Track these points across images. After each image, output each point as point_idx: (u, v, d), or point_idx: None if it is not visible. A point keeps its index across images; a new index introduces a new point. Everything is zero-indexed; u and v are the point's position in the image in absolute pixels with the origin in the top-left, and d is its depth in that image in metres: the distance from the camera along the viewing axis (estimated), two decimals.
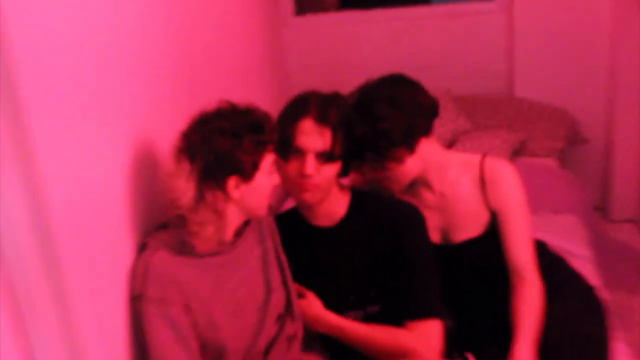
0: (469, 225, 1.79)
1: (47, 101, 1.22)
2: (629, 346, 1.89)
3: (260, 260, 1.62)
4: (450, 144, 3.35)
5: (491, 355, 1.69)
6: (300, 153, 1.58)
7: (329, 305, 1.67)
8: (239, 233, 1.58)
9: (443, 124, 3.34)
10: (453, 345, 1.72)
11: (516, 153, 3.25)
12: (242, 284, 1.56)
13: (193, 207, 1.44)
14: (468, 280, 1.82)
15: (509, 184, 1.76)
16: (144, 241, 1.52)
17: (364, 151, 1.69)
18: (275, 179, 1.54)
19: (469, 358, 1.72)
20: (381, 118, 1.66)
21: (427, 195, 1.81)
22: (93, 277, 1.36)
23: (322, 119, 1.58)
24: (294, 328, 1.67)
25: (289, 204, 2.48)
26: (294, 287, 1.68)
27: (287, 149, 1.58)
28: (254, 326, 1.57)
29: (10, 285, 1.22)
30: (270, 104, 2.48)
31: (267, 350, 1.61)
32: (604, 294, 2.05)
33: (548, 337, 1.65)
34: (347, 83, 2.23)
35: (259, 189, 1.49)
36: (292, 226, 1.74)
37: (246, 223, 1.60)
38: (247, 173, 1.45)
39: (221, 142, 1.41)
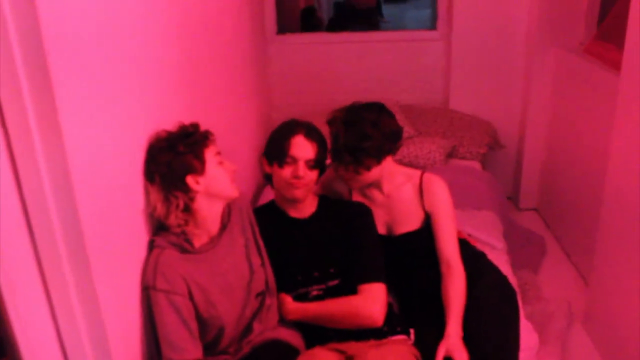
0: (409, 221, 1.91)
1: (75, 90, 1.18)
2: (528, 319, 2.02)
3: (243, 248, 1.73)
4: None
5: (428, 332, 1.76)
6: (294, 160, 1.79)
7: (298, 281, 1.81)
8: (224, 227, 1.70)
9: None
10: (396, 321, 1.81)
11: (449, 156, 3.35)
12: (231, 269, 1.67)
13: (166, 214, 1.56)
14: (407, 266, 1.92)
15: (440, 193, 1.88)
16: (152, 238, 1.60)
17: (343, 158, 1.81)
18: (229, 166, 1.64)
19: (410, 332, 1.80)
20: (366, 136, 1.78)
21: (377, 195, 1.95)
22: (115, 268, 1.39)
23: (310, 136, 1.82)
24: (271, 300, 1.80)
25: (265, 198, 2.61)
26: (269, 268, 1.80)
27: (283, 158, 1.80)
28: (242, 301, 1.68)
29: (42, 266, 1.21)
30: (256, 106, 2.51)
31: (252, 318, 1.74)
32: (513, 276, 2.21)
33: (471, 319, 1.71)
34: (320, 90, 2.31)
35: (216, 176, 1.60)
36: (270, 216, 1.90)
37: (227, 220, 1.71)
38: (197, 168, 1.55)
39: (164, 156, 1.53)
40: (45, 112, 1.12)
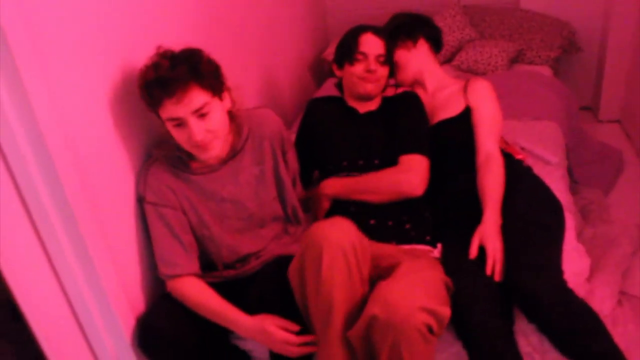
0: (448, 111, 1.90)
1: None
2: (588, 242, 1.87)
3: (254, 178, 1.62)
4: (456, 51, 3.20)
5: (454, 251, 1.63)
6: (365, 56, 1.82)
7: (343, 166, 1.82)
8: (233, 156, 1.59)
9: (451, 32, 3.18)
10: (426, 229, 1.73)
11: (513, 61, 3.08)
12: (229, 199, 1.58)
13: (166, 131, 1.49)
14: (442, 167, 1.83)
15: (483, 89, 1.87)
16: (151, 151, 1.56)
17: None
18: (198, 128, 1.42)
19: (438, 246, 1.69)
20: (399, 18, 2.03)
21: (421, 94, 1.96)
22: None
23: (378, 33, 1.85)
24: (295, 229, 1.72)
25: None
26: (294, 196, 1.70)
27: (353, 55, 1.83)
28: (238, 231, 1.61)
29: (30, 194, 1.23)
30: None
31: (268, 242, 1.65)
32: (568, 193, 2.02)
33: (511, 224, 1.59)
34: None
35: (175, 135, 1.46)
36: (330, 105, 1.96)
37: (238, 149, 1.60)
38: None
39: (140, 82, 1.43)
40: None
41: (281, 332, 1.38)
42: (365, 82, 1.83)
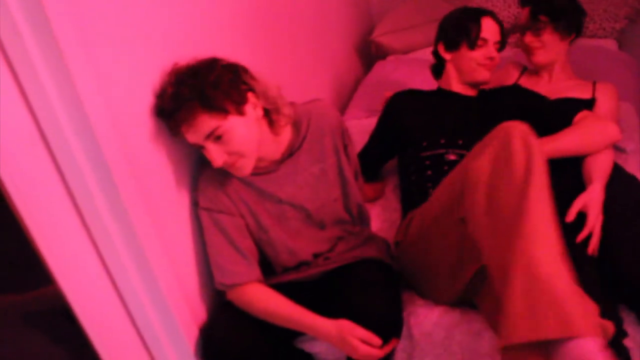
0: (573, 94, 1.90)
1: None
2: None
3: (314, 178, 1.53)
4: (512, 28, 3.02)
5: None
6: (485, 42, 1.80)
7: (440, 143, 1.73)
8: (290, 154, 1.50)
9: (507, 7, 3.02)
10: None
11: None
12: (286, 201, 1.50)
13: None
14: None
15: (614, 92, 1.92)
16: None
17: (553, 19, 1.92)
18: (216, 153, 1.35)
19: None
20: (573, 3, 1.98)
21: (543, 84, 2.00)
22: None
23: (496, 19, 1.84)
24: (361, 229, 1.64)
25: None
26: (358, 193, 1.60)
27: (475, 40, 1.80)
28: (298, 233, 1.53)
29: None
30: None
31: (334, 243, 1.58)
32: None
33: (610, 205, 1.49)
34: None
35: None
36: (420, 94, 1.93)
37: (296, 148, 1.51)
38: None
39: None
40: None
41: (363, 346, 1.30)
42: (486, 69, 1.82)
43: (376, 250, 1.58)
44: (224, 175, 1.44)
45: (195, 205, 1.45)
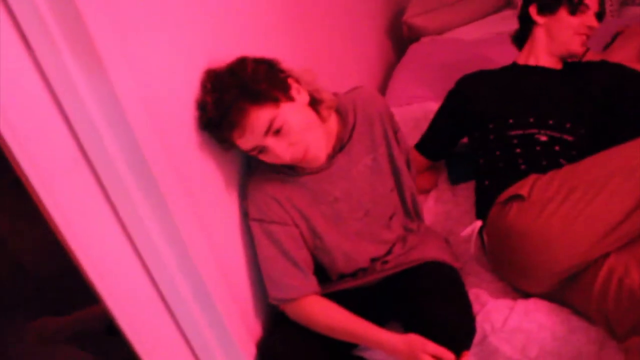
0: None
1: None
2: None
3: (367, 169, 1.43)
4: None
5: None
6: (586, 8, 1.67)
7: (529, 122, 1.59)
8: (341, 148, 1.40)
9: None
10: None
11: (623, 4, 2.71)
12: (342, 198, 1.40)
13: None
14: None
15: None
16: (250, 158, 1.38)
17: None
18: (271, 157, 1.28)
19: None
20: None
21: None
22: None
23: None
24: (417, 225, 1.54)
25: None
26: (412, 183, 1.51)
27: (578, 5, 1.66)
28: (356, 235, 1.43)
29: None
30: None
31: (392, 245, 1.48)
32: None
33: None
34: None
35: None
36: (494, 73, 1.77)
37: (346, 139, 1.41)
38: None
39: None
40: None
41: None
42: (581, 40, 1.69)
43: (438, 249, 1.48)
44: (273, 181, 1.36)
45: (245, 216, 1.36)
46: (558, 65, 1.73)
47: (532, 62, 1.75)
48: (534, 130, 1.57)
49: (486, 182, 1.57)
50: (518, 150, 1.55)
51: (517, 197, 1.39)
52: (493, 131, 1.63)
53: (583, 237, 1.28)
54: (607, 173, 1.31)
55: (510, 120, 1.61)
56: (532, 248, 1.32)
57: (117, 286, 1.08)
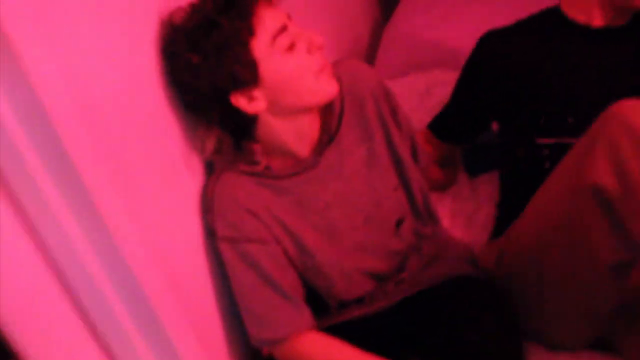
0: None
1: None
2: None
3: (363, 164, 1.18)
4: None
5: None
6: None
7: (567, 124, 1.22)
8: (329, 140, 1.14)
9: None
10: None
11: None
12: (335, 203, 1.16)
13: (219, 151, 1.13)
14: None
15: None
16: (211, 159, 1.13)
17: None
18: (310, 45, 1.03)
19: None
20: None
21: None
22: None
23: None
24: (432, 229, 1.26)
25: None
26: (420, 177, 1.24)
27: None
28: (356, 248, 1.18)
29: None
30: None
31: (405, 257, 1.21)
32: None
33: None
34: None
35: (285, 78, 1.03)
36: (541, 30, 1.30)
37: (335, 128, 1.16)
38: (246, 77, 0.99)
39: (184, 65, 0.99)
40: None
41: None
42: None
43: (464, 260, 1.24)
44: (246, 186, 1.09)
45: (211, 235, 1.08)
46: (618, 21, 1.29)
47: (577, 18, 1.30)
48: (572, 140, 1.16)
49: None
50: (547, 164, 1.21)
51: None
52: (519, 133, 1.30)
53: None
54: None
55: (541, 121, 1.26)
56: None
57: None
